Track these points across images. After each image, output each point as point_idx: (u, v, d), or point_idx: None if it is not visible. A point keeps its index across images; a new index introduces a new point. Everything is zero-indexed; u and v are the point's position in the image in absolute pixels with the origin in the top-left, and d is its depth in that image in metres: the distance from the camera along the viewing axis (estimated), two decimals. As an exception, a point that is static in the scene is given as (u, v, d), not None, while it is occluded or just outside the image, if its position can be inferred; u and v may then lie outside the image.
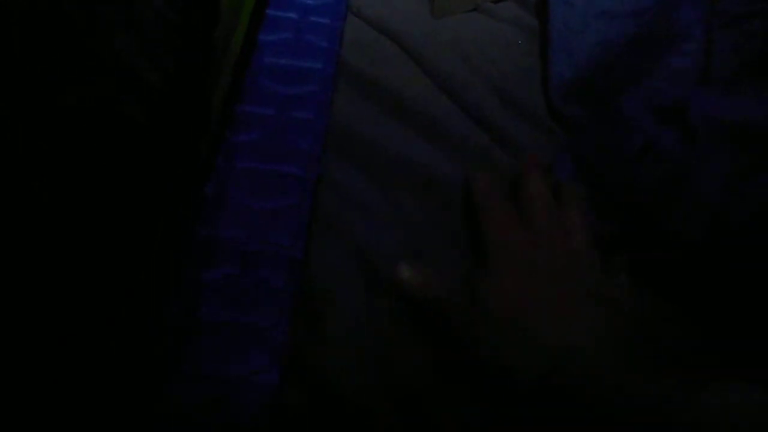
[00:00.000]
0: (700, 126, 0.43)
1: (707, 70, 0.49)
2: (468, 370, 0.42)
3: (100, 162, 0.34)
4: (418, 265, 0.46)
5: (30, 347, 0.32)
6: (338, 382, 0.44)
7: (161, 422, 0.38)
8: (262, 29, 0.56)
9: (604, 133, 0.49)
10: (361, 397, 0.43)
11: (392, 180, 0.53)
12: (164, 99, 0.38)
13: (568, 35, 0.57)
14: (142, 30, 0.37)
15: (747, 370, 0.35)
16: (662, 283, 0.44)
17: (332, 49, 0.57)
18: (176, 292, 0.42)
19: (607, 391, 0.36)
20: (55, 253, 0.33)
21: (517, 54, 0.64)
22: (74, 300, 0.32)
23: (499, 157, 0.56)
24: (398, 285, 0.45)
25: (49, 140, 0.32)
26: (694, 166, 0.43)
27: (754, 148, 0.44)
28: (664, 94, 0.48)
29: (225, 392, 0.40)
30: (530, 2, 0.68)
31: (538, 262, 0.43)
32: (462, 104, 0.58)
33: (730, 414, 0.33)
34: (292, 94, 0.53)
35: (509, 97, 0.60)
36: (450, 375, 0.44)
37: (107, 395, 0.34)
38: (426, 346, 0.46)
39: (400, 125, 0.56)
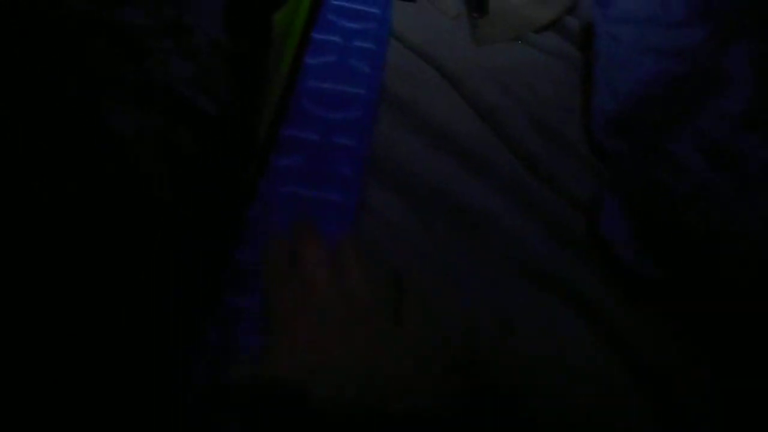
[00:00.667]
0: (758, 173, 0.42)
1: (757, 114, 0.48)
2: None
3: (152, 189, 0.34)
4: None
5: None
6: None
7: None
8: (308, 52, 0.57)
9: (651, 173, 0.48)
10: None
11: (428, 208, 0.53)
12: (217, 127, 0.38)
13: (612, 70, 0.57)
14: (199, 59, 0.38)
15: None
16: (708, 328, 0.43)
17: (375, 75, 0.57)
18: (215, 316, 0.42)
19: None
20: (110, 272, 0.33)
21: (558, 85, 0.63)
22: (123, 328, 0.32)
23: (537, 189, 0.56)
24: None
25: (106, 168, 0.32)
26: (750, 215, 0.42)
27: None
28: (712, 136, 0.47)
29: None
30: (572, 33, 0.68)
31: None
32: (501, 135, 0.58)
33: None
34: (335, 119, 0.53)
35: (549, 128, 0.59)
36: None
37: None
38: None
39: (440, 154, 0.56)
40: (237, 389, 0.38)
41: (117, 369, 0.33)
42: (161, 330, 0.36)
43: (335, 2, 0.62)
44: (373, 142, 0.54)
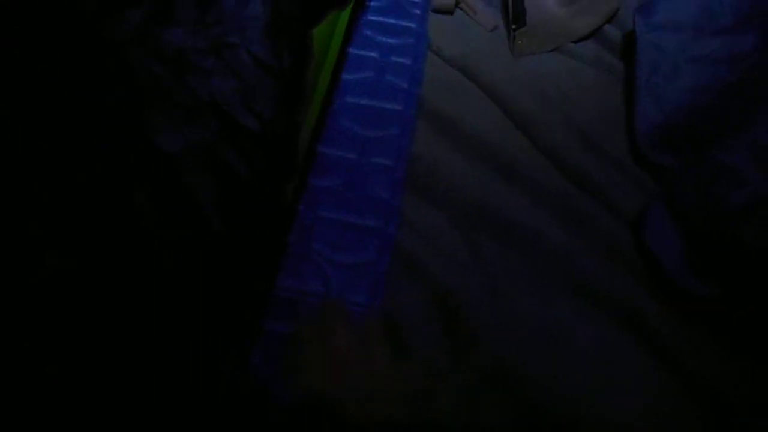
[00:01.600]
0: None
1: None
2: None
3: (200, 206, 0.34)
4: None
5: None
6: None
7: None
8: (345, 68, 0.56)
9: (703, 185, 0.47)
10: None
11: (471, 223, 0.52)
12: (260, 144, 0.38)
13: (657, 80, 0.55)
14: (242, 76, 0.38)
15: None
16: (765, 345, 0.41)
17: (413, 90, 0.57)
18: (258, 344, 0.42)
19: None
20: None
21: (600, 96, 0.62)
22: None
23: (583, 203, 0.54)
24: None
25: (155, 185, 0.32)
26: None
27: None
28: (768, 145, 0.45)
29: None
30: (613, 42, 0.66)
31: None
32: (542, 147, 0.57)
33: None
34: (372, 137, 0.53)
35: (591, 140, 0.58)
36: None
37: None
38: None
39: (480, 167, 0.54)
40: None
41: (162, 386, 0.33)
42: (202, 347, 0.36)
43: (372, 17, 0.61)
44: (413, 158, 0.53)
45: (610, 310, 0.49)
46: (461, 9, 0.66)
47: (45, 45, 0.33)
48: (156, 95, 0.35)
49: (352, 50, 0.58)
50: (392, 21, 0.62)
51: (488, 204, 0.53)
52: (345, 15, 0.57)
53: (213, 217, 0.32)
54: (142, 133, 0.33)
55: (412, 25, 0.62)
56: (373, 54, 0.58)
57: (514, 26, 0.63)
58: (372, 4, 0.63)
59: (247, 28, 0.38)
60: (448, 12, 0.66)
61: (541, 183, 0.55)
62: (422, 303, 0.48)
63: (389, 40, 0.60)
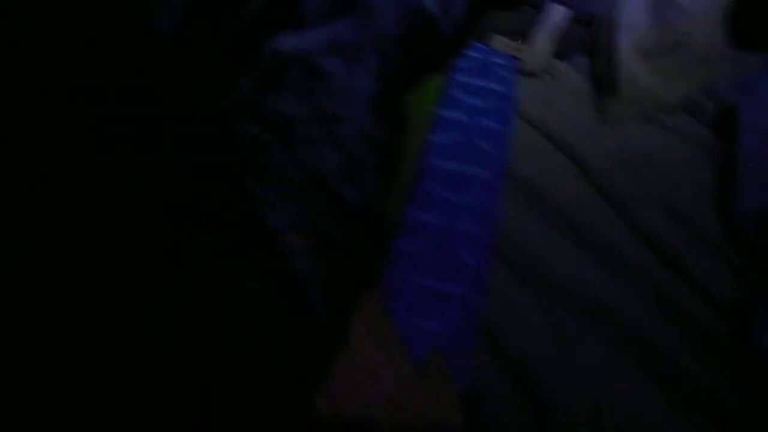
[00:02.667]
0: None
1: None
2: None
3: (308, 289, 0.33)
4: None
5: None
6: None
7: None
8: (433, 129, 0.55)
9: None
10: None
11: (557, 301, 0.50)
12: (361, 217, 0.37)
13: (761, 164, 0.52)
14: (348, 149, 0.37)
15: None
16: None
17: (500, 155, 0.55)
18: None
19: None
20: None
21: (693, 172, 0.59)
22: None
23: (672, 285, 0.51)
24: None
25: (261, 264, 0.31)
26: None
27: None
28: None
29: None
30: (706, 114, 0.64)
31: None
32: (632, 223, 0.54)
33: None
34: (458, 203, 0.51)
35: (683, 219, 0.55)
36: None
37: None
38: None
39: (568, 243, 0.52)
40: None
41: None
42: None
43: (459, 77, 0.61)
44: (498, 227, 0.51)
45: (699, 406, 0.46)
46: (549, 73, 0.65)
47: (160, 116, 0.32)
48: (261, 165, 0.34)
49: (439, 111, 0.57)
50: (480, 82, 0.61)
51: (574, 283, 0.50)
52: (436, 78, 0.56)
53: (319, 304, 0.30)
54: (247, 206, 0.33)
55: (500, 87, 0.61)
56: (460, 116, 0.57)
57: (606, 95, 0.61)
58: (459, 63, 0.62)
59: (354, 101, 0.38)
60: (535, 75, 0.65)
61: (631, 263, 0.52)
62: (500, 376, 0.46)
63: (476, 102, 0.59)
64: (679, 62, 0.63)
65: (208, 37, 0.34)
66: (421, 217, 0.50)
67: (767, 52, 0.58)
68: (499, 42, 0.66)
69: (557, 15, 0.67)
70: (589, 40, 0.66)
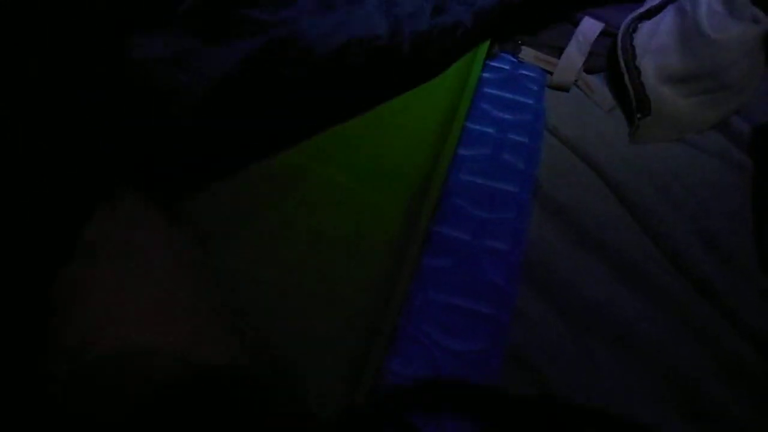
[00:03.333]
0: None
1: None
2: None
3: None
4: None
5: None
6: None
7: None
8: (462, 142, 0.54)
9: None
10: None
11: (586, 325, 0.49)
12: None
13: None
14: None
15: None
16: None
17: (529, 171, 0.54)
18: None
19: None
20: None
21: (725, 193, 0.58)
22: None
23: (704, 313, 0.50)
24: None
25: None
26: None
27: None
28: None
29: None
30: (740, 135, 0.62)
31: None
32: (662, 246, 0.53)
33: None
34: (487, 219, 0.50)
35: (715, 241, 0.54)
36: None
37: None
38: None
39: (597, 264, 0.51)
40: None
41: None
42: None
43: (488, 90, 0.60)
44: (527, 246, 0.50)
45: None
46: (578, 87, 0.64)
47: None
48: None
49: (468, 124, 0.56)
50: (509, 96, 0.60)
51: (603, 307, 0.49)
52: (469, 90, 0.55)
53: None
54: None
55: (530, 101, 0.60)
56: (489, 130, 0.56)
57: (639, 115, 0.59)
58: (488, 76, 0.61)
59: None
60: (565, 89, 0.64)
61: (662, 288, 0.51)
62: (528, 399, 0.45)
63: (506, 116, 0.58)
64: (706, 89, 0.61)
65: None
66: (449, 233, 0.49)
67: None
68: (529, 54, 0.65)
69: (590, 29, 0.66)
70: (612, 56, 0.64)
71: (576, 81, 0.64)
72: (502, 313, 0.46)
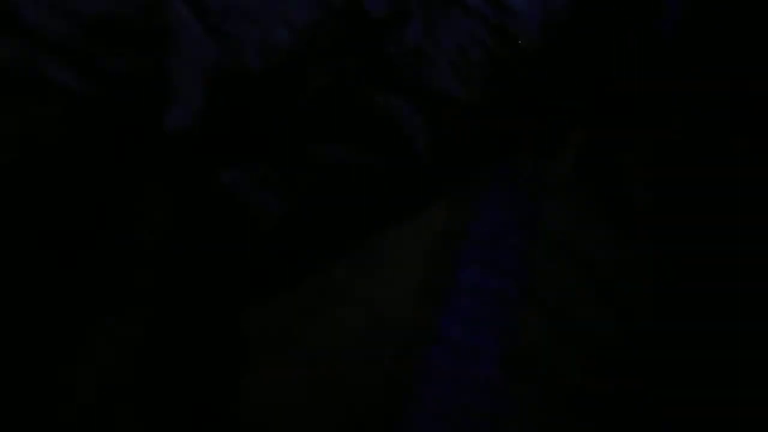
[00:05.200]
0: None
1: None
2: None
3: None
4: None
5: None
6: None
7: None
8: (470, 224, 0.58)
9: None
10: None
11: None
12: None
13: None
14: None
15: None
16: None
17: (522, 270, 0.58)
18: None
19: None
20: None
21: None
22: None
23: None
24: None
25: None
26: None
27: None
28: None
29: None
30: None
31: None
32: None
33: None
34: (480, 317, 0.54)
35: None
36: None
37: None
38: None
39: (587, 362, 0.54)
40: None
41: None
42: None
43: (486, 193, 0.64)
44: (517, 342, 0.54)
45: None
46: (574, 189, 0.68)
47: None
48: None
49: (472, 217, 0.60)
50: (505, 198, 0.64)
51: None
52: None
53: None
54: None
55: (525, 202, 0.64)
56: (487, 228, 0.61)
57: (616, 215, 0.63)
58: (485, 174, 0.66)
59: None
60: (561, 190, 0.68)
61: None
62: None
63: (501, 217, 0.62)
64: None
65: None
66: (451, 333, 0.53)
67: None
68: (526, 157, 0.69)
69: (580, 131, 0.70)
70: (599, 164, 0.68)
71: (572, 182, 0.68)
72: (499, 408, 0.49)
